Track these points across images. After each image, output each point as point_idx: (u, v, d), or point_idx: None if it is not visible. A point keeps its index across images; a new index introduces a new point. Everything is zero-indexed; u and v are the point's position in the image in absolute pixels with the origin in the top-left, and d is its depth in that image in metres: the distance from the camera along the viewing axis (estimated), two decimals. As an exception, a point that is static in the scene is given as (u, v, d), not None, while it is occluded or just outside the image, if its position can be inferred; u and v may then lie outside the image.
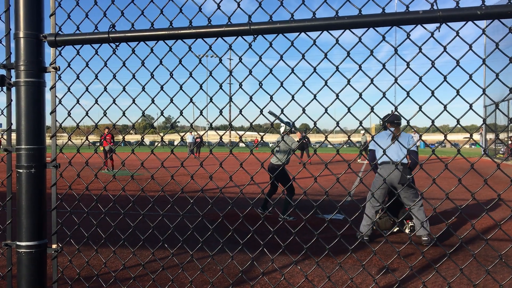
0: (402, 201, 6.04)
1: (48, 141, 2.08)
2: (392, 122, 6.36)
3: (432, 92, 1.72)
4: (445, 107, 1.72)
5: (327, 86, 1.86)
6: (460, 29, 1.69)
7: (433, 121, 1.73)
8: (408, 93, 1.74)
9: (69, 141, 2.20)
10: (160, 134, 1.95)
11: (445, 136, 1.75)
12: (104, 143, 17.60)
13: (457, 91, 1.70)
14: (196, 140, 30.74)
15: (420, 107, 1.73)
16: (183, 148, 49.80)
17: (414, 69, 1.77)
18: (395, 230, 6.59)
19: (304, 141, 22.61)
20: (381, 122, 6.27)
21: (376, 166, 6.27)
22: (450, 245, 5.83)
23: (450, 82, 1.73)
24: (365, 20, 1.71)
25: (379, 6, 1.75)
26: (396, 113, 6.20)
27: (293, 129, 8.21)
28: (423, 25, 1.70)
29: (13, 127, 2.08)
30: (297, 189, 9.20)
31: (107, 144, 17.57)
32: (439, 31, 1.72)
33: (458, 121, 1.69)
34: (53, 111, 2.08)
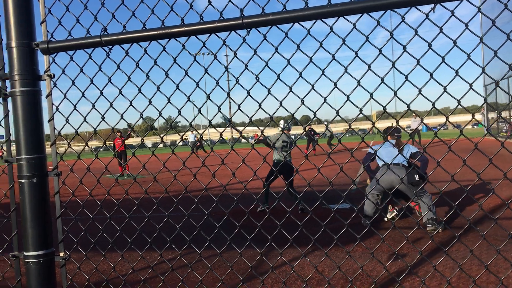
0: (408, 195, 6.24)
1: (48, 149, 2.07)
2: (392, 134, 6.70)
3: (431, 75, 1.70)
4: (444, 88, 1.70)
5: (325, 75, 1.84)
6: (455, 9, 1.67)
7: (433, 104, 1.71)
8: (406, 77, 1.73)
9: (69, 148, 2.19)
10: (161, 135, 1.93)
11: (447, 118, 1.73)
12: (116, 147, 17.31)
13: (456, 72, 1.68)
14: (196, 140, 30.42)
15: (420, 90, 1.71)
16: (186, 148, 49.83)
17: (412, 53, 1.75)
18: (390, 217, 6.68)
19: (310, 133, 22.62)
20: (382, 135, 6.65)
21: (368, 167, 6.53)
22: (458, 227, 5.81)
23: (448, 63, 1.71)
24: (358, 6, 1.69)
25: (372, -9, 1.72)
26: (397, 126, 6.47)
27: (290, 126, 8.31)
28: (418, 7, 1.68)
29: (12, 137, 2.07)
30: (302, 180, 9.18)
31: (120, 147, 17.14)
32: (433, 12, 1.70)
33: (459, 102, 1.67)
34: (51, 119, 2.06)
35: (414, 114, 24.91)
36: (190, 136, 32.22)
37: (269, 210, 1.96)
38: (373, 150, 1.80)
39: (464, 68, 1.87)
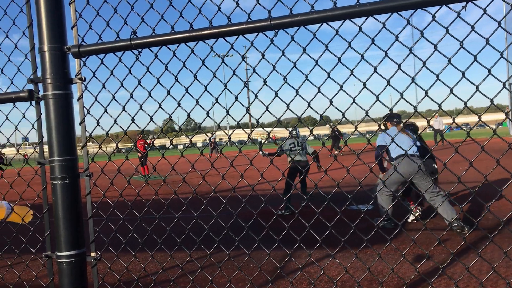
0: (420, 190, 6.10)
1: (79, 151, 2.11)
2: (391, 120, 6.54)
3: (463, 74, 1.67)
4: (477, 87, 1.67)
5: (354, 75, 1.83)
6: (487, 7, 1.64)
7: (465, 103, 1.69)
8: (437, 76, 1.70)
9: (100, 150, 2.22)
10: (189, 136, 1.95)
11: (480, 118, 1.70)
12: (139, 149, 17.46)
13: (489, 70, 1.65)
14: (212, 141, 30.16)
15: (451, 90, 1.69)
16: (204, 149, 50.04)
17: (430, 52, 1.72)
18: (414, 216, 6.59)
19: (335, 133, 22.68)
20: (382, 121, 6.52)
21: (381, 161, 6.41)
22: (478, 229, 5.70)
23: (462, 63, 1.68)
24: (388, 5, 1.68)
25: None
26: (395, 112, 6.37)
27: (298, 133, 9.08)
28: (448, 5, 1.66)
29: (44, 139, 2.11)
30: (329, 181, 9.16)
31: (142, 149, 17.30)
32: (465, 10, 1.67)
33: (491, 101, 1.64)
34: (82, 122, 2.10)
35: (435, 114, 24.64)
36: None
37: (297, 212, 1.96)
38: (384, 142, 1.78)
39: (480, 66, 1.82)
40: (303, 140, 8.53)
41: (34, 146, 2.23)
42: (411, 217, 6.56)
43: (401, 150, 6.00)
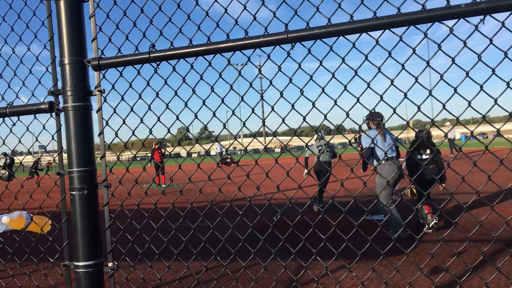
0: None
1: (97, 160, 2.13)
2: (374, 120, 6.50)
3: (481, 87, 1.66)
4: (495, 100, 1.67)
5: (370, 88, 1.83)
6: (505, 20, 1.64)
7: (484, 116, 1.68)
8: (455, 89, 1.70)
9: (111, 158, 2.25)
10: (204, 147, 1.97)
11: (498, 130, 1.69)
12: (155, 158, 17.58)
13: (508, 84, 1.64)
14: (228, 160, 29.62)
15: (469, 103, 1.68)
16: (214, 158, 50.11)
17: (444, 64, 1.71)
18: (430, 225, 6.54)
19: (357, 142, 23.07)
20: (365, 120, 6.46)
21: (366, 163, 6.46)
22: (486, 240, 5.61)
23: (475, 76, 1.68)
24: (405, 18, 1.68)
25: (419, 3, 1.71)
26: (377, 111, 6.31)
27: (322, 135, 9.59)
28: (466, 18, 1.66)
29: (64, 150, 2.14)
30: (343, 191, 9.17)
31: (158, 159, 17.44)
32: (483, 24, 1.67)
33: (511, 114, 1.63)
34: (101, 133, 2.13)
35: (448, 123, 24.50)
36: (217, 147, 32.04)
37: (313, 224, 1.96)
38: (373, 144, 1.77)
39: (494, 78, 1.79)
40: (331, 145, 9.15)
41: (52, 154, 2.27)
42: (431, 223, 6.48)
43: (390, 153, 6.02)
